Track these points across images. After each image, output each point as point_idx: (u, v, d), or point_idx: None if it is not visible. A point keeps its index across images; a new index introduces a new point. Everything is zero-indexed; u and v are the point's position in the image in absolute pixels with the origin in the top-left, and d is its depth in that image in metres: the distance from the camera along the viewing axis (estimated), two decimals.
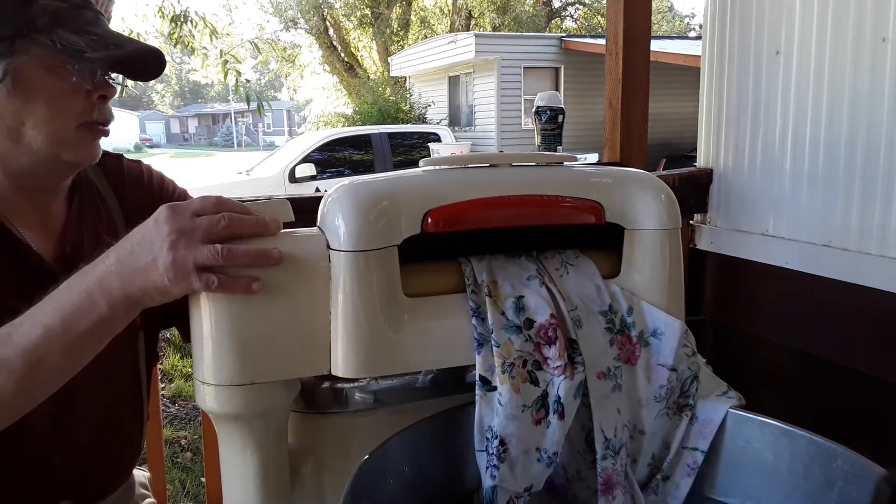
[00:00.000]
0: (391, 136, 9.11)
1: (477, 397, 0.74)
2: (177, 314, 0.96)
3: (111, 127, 0.92)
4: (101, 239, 0.95)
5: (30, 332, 0.70)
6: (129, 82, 1.05)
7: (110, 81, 0.90)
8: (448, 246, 0.81)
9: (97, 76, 0.87)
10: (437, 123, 13.05)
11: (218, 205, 0.70)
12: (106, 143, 0.96)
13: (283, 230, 0.73)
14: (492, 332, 0.75)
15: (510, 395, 0.73)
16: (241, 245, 0.69)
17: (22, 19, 0.81)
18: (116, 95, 0.93)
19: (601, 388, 0.78)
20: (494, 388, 0.74)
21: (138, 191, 1.03)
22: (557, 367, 0.75)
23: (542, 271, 0.82)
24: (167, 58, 0.92)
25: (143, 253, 0.68)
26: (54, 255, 0.92)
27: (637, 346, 0.81)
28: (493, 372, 0.74)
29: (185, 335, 1.05)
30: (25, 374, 0.70)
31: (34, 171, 0.88)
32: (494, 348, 0.75)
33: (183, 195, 1.06)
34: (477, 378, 0.75)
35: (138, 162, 1.07)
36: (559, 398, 0.74)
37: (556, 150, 1.70)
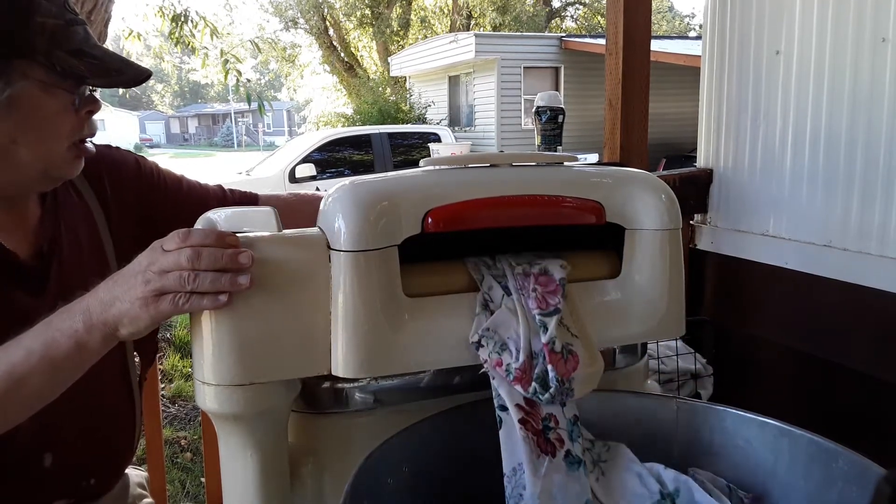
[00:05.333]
0: (391, 136, 9.11)
1: None
2: None
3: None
4: (78, 232, 0.95)
5: (13, 353, 0.72)
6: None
7: (95, 96, 0.90)
8: (448, 246, 0.81)
9: (85, 93, 0.87)
10: (437, 123, 13.05)
11: (192, 239, 0.68)
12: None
13: (281, 232, 0.73)
14: None
15: None
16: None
17: (20, 39, 0.80)
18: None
19: None
20: None
21: (115, 175, 1.01)
22: None
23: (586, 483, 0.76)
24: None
25: (123, 282, 0.70)
26: (31, 253, 0.92)
27: None
28: None
29: None
30: (3, 395, 0.72)
31: (17, 185, 0.88)
32: None
33: (168, 175, 1.06)
34: None
35: (113, 147, 1.05)
36: None
37: (556, 150, 1.70)
